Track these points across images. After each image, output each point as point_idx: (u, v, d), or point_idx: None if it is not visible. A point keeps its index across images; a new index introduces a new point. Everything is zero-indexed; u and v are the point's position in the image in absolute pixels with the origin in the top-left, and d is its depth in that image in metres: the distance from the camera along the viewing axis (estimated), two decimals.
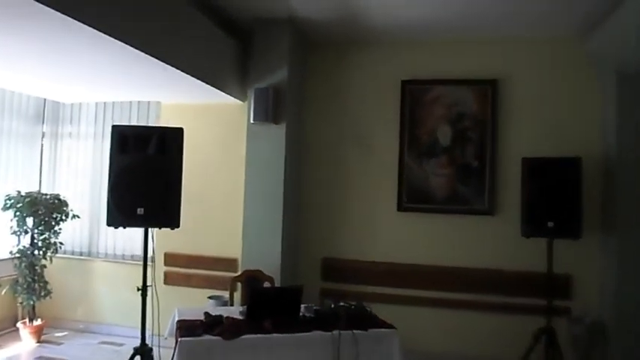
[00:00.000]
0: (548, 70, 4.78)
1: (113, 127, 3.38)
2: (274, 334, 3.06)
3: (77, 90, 5.23)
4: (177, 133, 3.43)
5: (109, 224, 3.34)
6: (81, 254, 5.72)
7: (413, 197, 4.97)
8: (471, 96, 4.88)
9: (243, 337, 3.01)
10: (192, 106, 5.23)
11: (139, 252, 5.42)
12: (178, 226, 3.43)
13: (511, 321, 4.69)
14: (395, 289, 4.97)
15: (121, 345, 5.13)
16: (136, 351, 3.45)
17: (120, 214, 3.29)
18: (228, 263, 5.05)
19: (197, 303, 4.81)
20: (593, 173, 4.47)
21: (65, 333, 5.51)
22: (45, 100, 5.83)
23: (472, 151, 4.86)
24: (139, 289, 3.49)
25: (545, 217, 4.09)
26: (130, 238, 5.36)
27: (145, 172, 3.31)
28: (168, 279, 5.23)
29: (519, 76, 4.83)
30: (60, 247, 5.29)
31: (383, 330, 3.27)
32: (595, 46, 4.52)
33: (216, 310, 3.43)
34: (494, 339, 4.71)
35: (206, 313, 3.27)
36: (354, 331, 3.15)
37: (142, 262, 5.29)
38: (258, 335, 3.04)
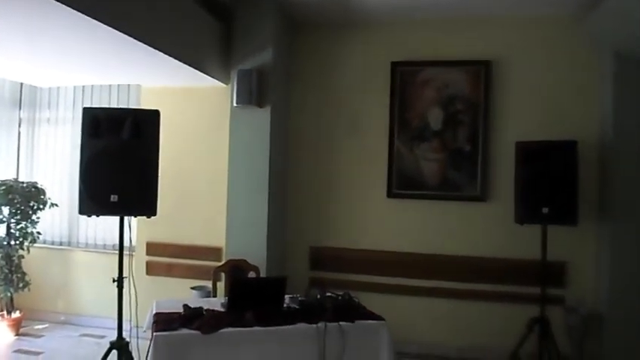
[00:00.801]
0: (544, 50, 4.61)
1: (84, 109, 3.19)
2: (256, 327, 2.90)
3: (54, 73, 5.01)
4: (153, 115, 3.24)
5: (81, 212, 3.16)
6: (60, 244, 5.54)
7: (403, 183, 4.82)
8: (464, 78, 4.71)
9: (223, 330, 2.85)
10: (173, 89, 5.02)
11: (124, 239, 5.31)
12: (155, 215, 3.24)
13: (504, 310, 4.58)
14: (385, 277, 4.84)
15: (102, 337, 4.96)
16: (113, 345, 3.29)
17: (93, 202, 3.11)
18: (213, 252, 4.88)
19: (180, 294, 4.64)
20: (589, 158, 4.34)
21: (45, 325, 5.34)
22: (22, 84, 5.60)
23: (464, 135, 4.71)
24: (114, 281, 3.31)
25: (540, 202, 3.96)
26: (111, 227, 5.16)
27: (119, 158, 3.12)
28: (151, 269, 5.06)
29: (514, 57, 4.67)
30: (38, 237, 5.09)
31: (371, 322, 3.11)
32: (594, 25, 4.34)
33: (196, 302, 3.28)
34: (487, 329, 4.61)
35: (185, 306, 3.10)
36: (341, 323, 3.01)
37: (127, 252, 5.27)
38: (239, 329, 2.88)
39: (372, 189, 4.91)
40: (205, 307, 3.09)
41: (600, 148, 4.42)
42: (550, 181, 3.96)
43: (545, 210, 3.93)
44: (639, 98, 4.26)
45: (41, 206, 5.04)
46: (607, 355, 4.24)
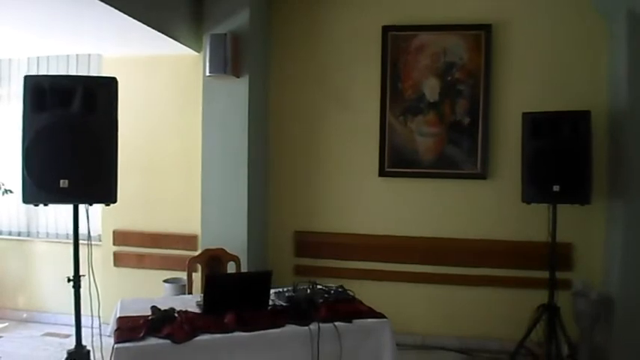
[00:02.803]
0: (550, 12, 4.19)
1: (25, 77, 2.67)
2: (237, 333, 2.47)
3: (3, 42, 4.42)
4: (109, 84, 2.74)
5: (25, 201, 2.68)
6: (19, 234, 5.01)
7: (396, 160, 4.40)
8: (462, 44, 4.27)
9: (199, 338, 2.41)
10: (138, 58, 4.46)
11: (85, 230, 4.80)
12: (114, 202, 2.77)
13: (507, 296, 4.26)
14: (377, 263, 4.45)
15: (67, 336, 4.49)
16: (70, 355, 2.83)
17: (38, 188, 2.63)
18: (187, 241, 4.40)
19: (152, 287, 4.21)
20: (599, 130, 3.95)
21: (6, 324, 4.85)
22: None
23: (463, 107, 4.29)
24: (69, 280, 2.83)
25: (550, 180, 3.61)
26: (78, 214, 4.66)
27: (69, 135, 2.63)
28: (119, 260, 4.56)
29: (517, 20, 4.24)
30: None
31: (371, 320, 2.71)
32: None
33: (168, 302, 2.83)
34: (489, 316, 4.29)
35: (153, 308, 2.64)
36: (336, 323, 2.59)
37: (94, 242, 4.75)
38: (218, 335, 2.45)
39: (362, 167, 4.48)
40: (178, 309, 2.65)
41: (612, 119, 4.05)
42: (561, 155, 3.62)
43: (555, 188, 3.59)
44: None
45: None
46: (618, 341, 3.92)
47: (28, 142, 2.60)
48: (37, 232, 4.98)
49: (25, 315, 4.94)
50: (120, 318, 2.66)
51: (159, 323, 2.49)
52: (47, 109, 2.61)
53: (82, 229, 4.62)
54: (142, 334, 2.38)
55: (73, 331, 4.46)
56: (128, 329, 2.45)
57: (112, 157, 2.74)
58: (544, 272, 3.82)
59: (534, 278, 4.08)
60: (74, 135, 2.63)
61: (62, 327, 4.69)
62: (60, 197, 2.66)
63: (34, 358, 4.13)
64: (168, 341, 2.36)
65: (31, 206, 4.69)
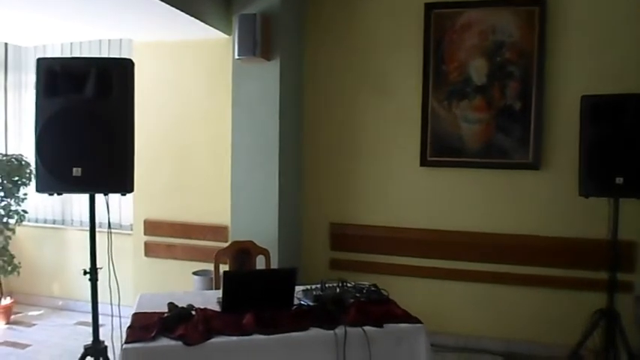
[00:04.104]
0: None
1: (38, 60, 2.52)
2: (256, 335, 2.27)
3: (39, 30, 4.39)
4: (125, 65, 2.55)
5: (38, 190, 2.54)
6: (54, 222, 5.02)
7: (439, 149, 4.09)
8: (513, 20, 3.90)
9: (214, 340, 2.23)
10: (169, 43, 4.32)
11: (117, 219, 4.74)
12: (130, 191, 2.61)
13: (560, 298, 3.90)
14: (418, 259, 4.17)
15: (100, 326, 4.43)
16: (87, 351, 2.71)
17: (51, 176, 2.47)
18: (218, 232, 4.25)
19: (182, 278, 4.11)
20: None
21: (41, 312, 4.88)
22: (6, 44, 5.00)
23: (514, 91, 3.92)
24: (85, 273, 2.70)
25: (613, 171, 3.21)
26: (110, 202, 4.59)
27: (81, 121, 2.46)
28: (149, 250, 4.47)
29: None
30: (24, 216, 4.54)
31: (404, 326, 2.46)
32: None
33: (188, 297, 2.66)
34: (540, 320, 3.94)
35: (170, 304, 2.48)
36: (365, 327, 2.35)
37: (124, 231, 4.69)
38: (235, 337, 2.25)
39: (402, 156, 4.18)
40: (197, 306, 2.48)
41: None
42: (624, 144, 3.20)
43: (619, 180, 3.19)
44: None
45: (26, 181, 4.47)
46: None
47: (40, 129, 2.46)
48: (72, 221, 4.97)
49: (60, 303, 4.96)
50: (135, 314, 2.52)
51: (173, 322, 2.33)
52: (59, 93, 2.46)
53: (115, 217, 4.69)
54: (153, 334, 2.22)
55: (106, 320, 4.45)
56: (140, 328, 2.30)
57: (128, 143, 2.56)
58: (602, 273, 3.45)
59: (591, 279, 3.73)
60: (87, 121, 2.47)
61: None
62: (74, 186, 2.51)
63: (64, 347, 4.09)
64: (180, 343, 2.18)
65: (66, 195, 4.78)
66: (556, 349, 3.73)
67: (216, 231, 4.26)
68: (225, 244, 3.73)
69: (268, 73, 3.81)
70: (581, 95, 3.38)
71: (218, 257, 3.42)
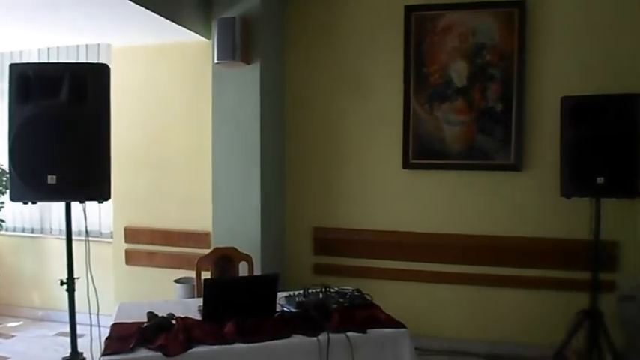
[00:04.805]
0: None
1: (11, 66, 2.48)
2: (238, 344, 2.23)
3: (14, 34, 4.29)
4: (101, 71, 2.53)
5: (12, 199, 2.50)
6: (32, 231, 4.91)
7: (422, 151, 4.08)
8: (493, 23, 3.91)
9: (194, 350, 2.18)
10: (148, 48, 4.26)
11: (97, 227, 4.66)
12: (107, 199, 2.56)
13: (544, 299, 3.91)
14: (402, 262, 4.15)
15: (80, 336, 4.34)
16: None
17: (25, 184, 2.42)
18: (200, 238, 4.19)
19: (164, 286, 4.03)
20: None
21: (20, 322, 4.79)
22: None
23: (495, 92, 3.93)
24: (62, 283, 2.64)
25: (594, 171, 3.24)
26: (88, 211, 4.51)
27: (55, 127, 2.42)
28: (130, 258, 4.40)
29: None
30: (1, 225, 4.46)
31: (388, 330, 2.43)
32: None
33: (168, 306, 2.60)
34: (524, 321, 3.94)
35: (149, 314, 2.43)
36: (349, 333, 2.32)
37: (105, 239, 4.62)
38: (216, 346, 2.20)
39: (384, 159, 4.17)
40: (177, 315, 2.43)
41: None
42: (605, 144, 3.24)
43: (599, 180, 3.22)
44: None
45: (2, 190, 4.38)
46: None
47: (13, 136, 2.42)
48: (51, 229, 4.87)
49: (40, 313, 4.86)
50: (114, 325, 2.45)
51: (152, 332, 2.27)
52: (33, 99, 2.42)
53: (94, 224, 4.62)
54: (132, 345, 2.16)
55: (86, 330, 4.38)
56: (118, 338, 2.24)
57: (105, 150, 2.53)
58: (585, 273, 3.48)
59: (574, 280, 3.73)
60: (61, 127, 2.43)
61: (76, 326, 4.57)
62: (49, 195, 2.47)
63: (44, 359, 4.01)
64: (159, 353, 2.13)
65: (45, 203, 4.69)
66: (541, 350, 3.72)
67: (197, 237, 4.20)
68: (207, 251, 3.68)
69: (248, 77, 3.77)
70: (561, 96, 3.41)
71: (199, 264, 3.37)
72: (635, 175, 3.19)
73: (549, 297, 3.88)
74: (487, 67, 3.93)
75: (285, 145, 4.34)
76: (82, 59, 4.58)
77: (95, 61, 4.48)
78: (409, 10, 4.03)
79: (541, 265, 3.90)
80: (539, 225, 3.91)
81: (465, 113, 3.99)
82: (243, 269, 3.46)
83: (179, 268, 4.17)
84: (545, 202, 3.83)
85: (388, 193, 4.19)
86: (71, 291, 2.69)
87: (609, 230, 3.59)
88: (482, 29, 3.93)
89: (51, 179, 2.41)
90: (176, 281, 3.97)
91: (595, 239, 3.38)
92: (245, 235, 3.75)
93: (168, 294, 3.96)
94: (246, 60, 3.72)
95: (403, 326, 2.45)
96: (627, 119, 3.20)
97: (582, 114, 3.28)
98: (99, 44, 4.54)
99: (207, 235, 4.12)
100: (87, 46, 4.59)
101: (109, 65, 2.67)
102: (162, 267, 4.29)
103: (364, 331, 2.38)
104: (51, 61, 4.66)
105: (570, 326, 3.41)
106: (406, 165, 4.11)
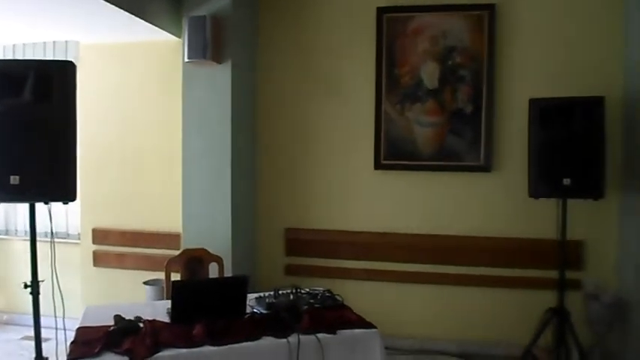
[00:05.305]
0: None
1: None
2: (207, 347, 2.20)
3: None
4: (66, 68, 2.45)
5: None
6: None
7: (393, 152, 4.10)
8: (463, 25, 3.95)
9: (162, 353, 2.14)
10: (117, 45, 4.19)
11: (64, 228, 4.56)
12: (73, 200, 2.50)
13: (512, 298, 3.97)
14: (374, 262, 4.17)
15: (45, 340, 4.24)
16: None
17: None
18: (170, 239, 4.13)
19: (134, 288, 3.96)
20: (613, 118, 3.63)
21: None
22: None
23: (465, 94, 3.98)
24: (26, 286, 2.57)
25: (561, 172, 3.31)
26: (54, 211, 4.40)
27: (18, 126, 2.34)
28: (98, 260, 4.31)
29: None
30: None
31: (358, 331, 2.44)
32: None
33: (136, 309, 2.55)
34: (493, 319, 4.00)
35: (117, 317, 2.38)
36: (319, 334, 2.32)
37: (72, 240, 4.51)
38: (185, 350, 2.17)
39: (357, 159, 4.18)
40: (145, 318, 2.39)
41: (627, 105, 3.72)
42: (571, 146, 3.32)
43: (566, 181, 3.29)
44: None
45: None
46: (634, 347, 3.63)
47: None
48: (16, 230, 4.75)
49: (5, 317, 4.74)
50: (79, 329, 2.40)
51: (119, 336, 2.23)
52: None
53: (61, 226, 4.51)
54: (97, 350, 2.12)
55: (52, 334, 4.26)
56: (84, 343, 2.20)
57: (70, 150, 2.46)
58: (553, 272, 3.55)
59: (542, 278, 3.80)
60: (25, 126, 2.35)
61: (42, 330, 4.45)
62: (11, 196, 2.39)
63: None
64: (126, 358, 2.09)
65: (9, 204, 4.57)
66: (510, 348, 3.78)
67: (167, 239, 4.14)
68: (177, 252, 3.64)
69: (219, 76, 3.74)
70: (529, 98, 3.47)
71: (169, 266, 3.32)
72: (600, 177, 3.28)
73: (518, 296, 3.94)
74: (457, 69, 3.98)
75: (256, 145, 4.31)
76: (50, 56, 4.48)
77: (63, 59, 4.38)
78: (381, 11, 4.05)
79: (510, 264, 3.96)
80: (508, 225, 3.97)
81: (435, 115, 4.02)
82: (213, 271, 3.43)
83: (149, 270, 4.10)
84: (514, 202, 3.88)
85: (360, 193, 4.21)
86: (35, 294, 2.61)
87: (577, 230, 3.69)
88: (453, 31, 3.97)
89: (14, 179, 2.34)
90: (145, 283, 3.91)
91: (562, 239, 3.45)
92: (216, 236, 3.72)
93: (138, 296, 3.89)
94: (217, 59, 3.68)
95: (373, 327, 2.46)
96: (593, 121, 3.28)
97: (550, 116, 3.35)
98: (66, 41, 4.45)
99: (177, 236, 4.05)
100: (54, 42, 4.49)
101: (76, 63, 2.63)
102: (131, 269, 4.22)
103: (334, 332, 2.38)
104: (16, 58, 4.55)
105: (538, 324, 3.47)
106: (378, 166, 4.13)
